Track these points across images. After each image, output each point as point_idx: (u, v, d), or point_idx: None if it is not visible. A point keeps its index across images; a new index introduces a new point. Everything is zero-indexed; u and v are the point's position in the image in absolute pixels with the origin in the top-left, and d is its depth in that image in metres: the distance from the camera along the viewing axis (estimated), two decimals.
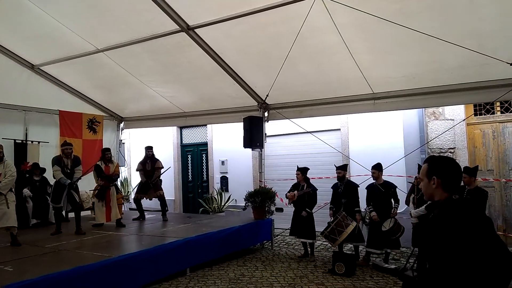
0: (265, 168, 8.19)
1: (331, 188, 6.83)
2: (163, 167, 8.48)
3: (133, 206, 9.02)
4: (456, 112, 7.41)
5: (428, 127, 7.60)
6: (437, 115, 7.56)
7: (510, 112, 7.18)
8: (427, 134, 7.59)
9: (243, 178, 10.16)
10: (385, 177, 6.48)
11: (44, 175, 8.02)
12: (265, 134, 7.89)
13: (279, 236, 8.45)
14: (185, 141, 12.07)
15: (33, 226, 7.71)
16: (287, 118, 7.66)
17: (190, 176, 11.97)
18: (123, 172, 11.33)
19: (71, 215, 7.24)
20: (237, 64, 6.89)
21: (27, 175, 7.87)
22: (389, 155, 7.34)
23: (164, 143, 11.85)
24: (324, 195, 7.44)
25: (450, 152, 7.42)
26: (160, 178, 8.46)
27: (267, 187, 8.02)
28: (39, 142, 8.48)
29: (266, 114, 8.03)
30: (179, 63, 7.06)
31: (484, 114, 7.41)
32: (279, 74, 6.46)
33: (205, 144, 11.45)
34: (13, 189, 5.93)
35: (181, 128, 11.95)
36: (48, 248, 5.60)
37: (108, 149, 7.75)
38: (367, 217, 6.48)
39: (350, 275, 5.61)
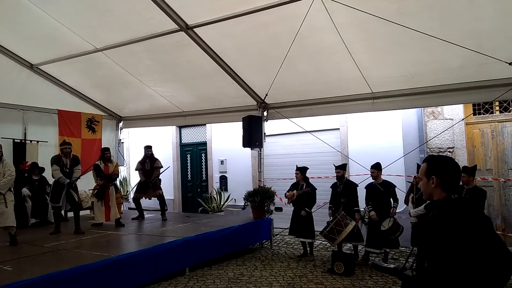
0: (264, 167, 8.19)
1: (330, 187, 6.83)
2: (162, 167, 8.48)
3: (132, 205, 9.02)
4: (455, 111, 7.42)
5: (427, 126, 7.61)
6: (436, 114, 7.56)
7: (509, 112, 7.19)
8: (426, 133, 7.59)
9: (242, 178, 10.17)
10: (384, 176, 6.49)
11: (43, 174, 8.02)
12: (264, 133, 7.89)
13: (278, 236, 8.46)
14: (184, 141, 12.06)
15: (32, 225, 7.71)
16: (286, 118, 7.66)
17: (189, 176, 11.96)
18: (122, 171, 11.32)
19: (70, 214, 7.24)
20: (236, 63, 6.88)
21: (26, 175, 7.86)
22: (388, 155, 7.35)
23: (163, 142, 11.84)
24: (323, 194, 7.45)
25: (449, 151, 7.43)
26: (159, 177, 8.46)
27: (266, 186, 8.02)
28: (38, 141, 8.48)
29: (265, 113, 8.03)
30: (178, 63, 7.05)
31: (483, 114, 7.42)
32: (278, 74, 6.46)
33: (204, 144, 11.45)
34: (12, 189, 5.93)
35: (180, 127, 11.95)
36: (47, 247, 5.60)
37: (107, 149, 7.75)
38: (366, 217, 6.48)
39: (349, 275, 5.61)
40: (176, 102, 8.80)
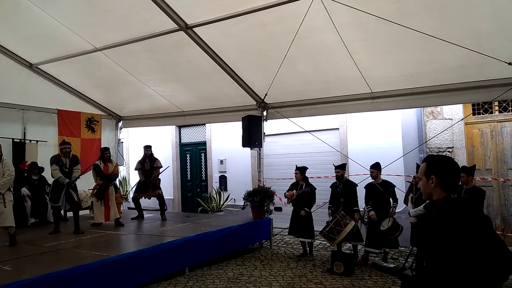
0: (263, 167, 8.19)
1: (330, 187, 6.83)
2: (162, 167, 8.47)
3: (132, 205, 9.01)
4: (455, 111, 7.43)
5: (426, 126, 7.61)
6: (435, 114, 7.57)
7: (508, 112, 7.20)
8: (425, 133, 7.60)
9: (242, 177, 10.17)
10: (383, 176, 6.49)
11: (42, 174, 8.01)
12: (264, 133, 7.89)
13: (278, 236, 8.47)
14: (183, 140, 12.06)
15: (32, 225, 7.71)
16: (285, 117, 7.66)
17: (189, 175, 11.96)
18: (122, 171, 11.31)
19: (70, 214, 7.23)
20: (235, 63, 6.88)
21: (26, 174, 7.86)
22: (387, 155, 7.35)
23: (163, 142, 11.84)
24: (323, 194, 7.46)
25: (449, 151, 7.44)
26: (159, 177, 8.46)
27: (266, 186, 8.02)
28: (37, 141, 8.47)
29: (264, 113, 8.02)
30: (178, 62, 7.05)
31: (483, 114, 7.42)
32: (278, 73, 6.46)
33: (203, 143, 11.44)
34: (12, 189, 5.91)
35: (179, 127, 11.94)
36: (47, 247, 5.59)
37: (107, 149, 7.74)
38: (366, 217, 6.49)
39: (348, 275, 5.62)
40: (176, 101, 8.80)
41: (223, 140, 10.77)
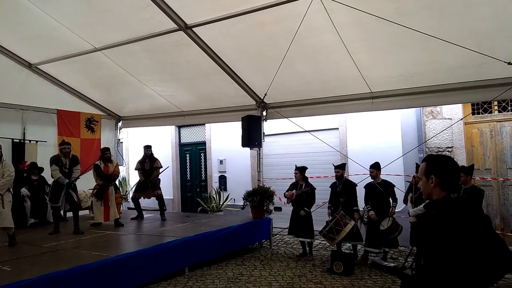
0: (263, 167, 8.19)
1: (330, 187, 6.83)
2: (161, 167, 8.47)
3: (132, 205, 9.01)
4: (454, 111, 7.43)
5: (426, 126, 7.62)
6: (435, 114, 7.57)
7: (507, 111, 7.20)
8: (425, 133, 7.60)
9: (241, 177, 10.16)
10: (383, 176, 6.49)
11: (42, 174, 8.01)
12: (263, 133, 7.89)
13: (277, 235, 8.47)
14: (183, 140, 12.06)
15: (31, 225, 7.70)
16: (285, 117, 7.66)
17: (188, 175, 11.96)
18: (122, 171, 11.31)
19: (69, 214, 7.23)
20: (235, 63, 6.88)
21: (25, 175, 7.85)
22: (387, 154, 7.36)
23: (163, 142, 11.84)
24: (323, 194, 7.46)
25: (448, 151, 7.44)
26: (159, 177, 8.46)
27: (265, 186, 8.02)
28: (37, 141, 8.47)
29: (264, 113, 8.02)
30: (177, 62, 7.05)
31: (482, 113, 7.43)
32: (277, 73, 6.46)
33: (203, 143, 11.44)
34: (11, 189, 5.91)
35: (179, 127, 11.94)
36: (46, 247, 5.59)
37: (107, 149, 7.74)
38: (365, 216, 6.49)
39: (348, 274, 5.62)
40: (175, 101, 8.80)
41: (223, 140, 10.77)
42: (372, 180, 6.41)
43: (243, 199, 7.82)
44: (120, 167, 8.51)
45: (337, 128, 8.89)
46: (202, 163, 11.59)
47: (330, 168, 7.05)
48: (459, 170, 2.00)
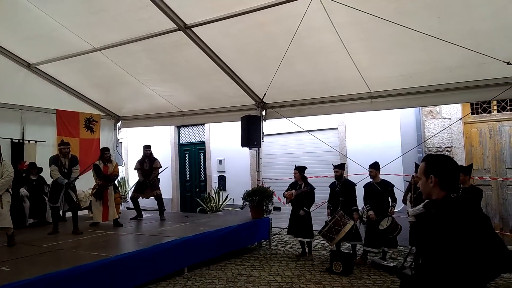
0: (262, 167, 8.19)
1: (329, 187, 6.84)
2: (161, 167, 8.47)
3: (131, 205, 9.01)
4: (453, 111, 7.44)
5: (425, 126, 7.62)
6: (434, 114, 7.58)
7: (506, 111, 7.21)
8: (424, 133, 7.61)
9: (240, 177, 10.16)
10: (382, 176, 6.49)
11: (41, 174, 8.00)
12: (263, 133, 7.89)
13: (276, 235, 8.47)
14: (182, 140, 12.05)
15: (30, 225, 7.69)
16: (284, 117, 7.66)
17: (187, 175, 11.95)
18: (121, 171, 11.30)
19: (69, 214, 7.22)
20: (234, 63, 6.88)
21: (24, 175, 7.84)
22: (386, 154, 7.36)
23: (162, 142, 11.83)
24: (322, 194, 7.46)
25: (447, 151, 7.45)
26: (158, 177, 8.45)
27: (264, 186, 8.02)
28: (36, 141, 8.47)
29: (263, 113, 8.03)
30: (177, 62, 7.05)
31: (481, 113, 7.43)
32: (277, 73, 6.46)
33: (202, 143, 11.44)
34: (10, 189, 5.89)
35: (178, 127, 11.94)
36: (45, 247, 5.58)
37: (107, 149, 7.74)
38: (365, 216, 6.49)
39: (347, 274, 5.62)
40: (175, 101, 8.79)
41: (222, 140, 10.77)
42: (371, 180, 6.41)
43: (242, 199, 7.82)
44: (119, 167, 8.51)
45: (336, 128, 8.89)
46: (202, 163, 11.59)
47: (329, 168, 7.05)
48: (458, 169, 2.00)
